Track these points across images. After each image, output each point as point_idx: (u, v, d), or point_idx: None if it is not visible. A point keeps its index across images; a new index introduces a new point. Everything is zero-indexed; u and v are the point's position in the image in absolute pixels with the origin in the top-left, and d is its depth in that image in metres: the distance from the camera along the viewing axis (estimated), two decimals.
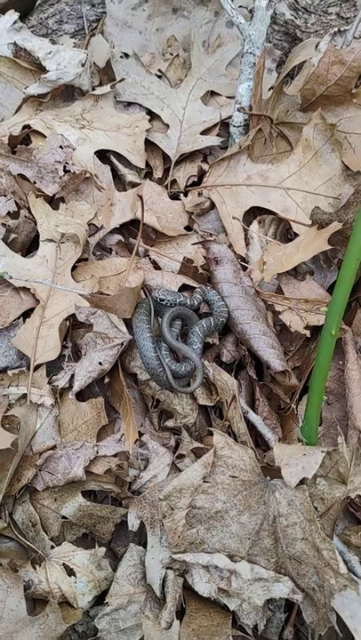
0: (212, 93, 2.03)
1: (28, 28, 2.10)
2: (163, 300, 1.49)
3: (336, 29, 2.32)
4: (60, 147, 1.69)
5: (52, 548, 1.34)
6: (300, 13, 2.32)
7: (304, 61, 1.94)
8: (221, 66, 2.04)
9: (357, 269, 1.55)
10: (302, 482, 1.24)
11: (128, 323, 1.48)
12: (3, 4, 2.09)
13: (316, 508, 1.26)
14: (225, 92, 2.01)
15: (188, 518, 1.29)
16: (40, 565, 1.30)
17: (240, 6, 2.10)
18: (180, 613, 1.28)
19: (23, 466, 1.38)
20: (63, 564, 1.31)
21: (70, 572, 1.30)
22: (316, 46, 2.10)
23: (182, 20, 2.10)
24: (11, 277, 1.46)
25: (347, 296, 1.21)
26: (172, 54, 2.07)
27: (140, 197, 1.56)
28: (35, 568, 1.30)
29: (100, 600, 1.33)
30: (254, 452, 1.34)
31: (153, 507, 1.36)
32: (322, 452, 1.23)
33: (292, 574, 1.25)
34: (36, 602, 1.29)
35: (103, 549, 1.35)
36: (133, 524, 1.36)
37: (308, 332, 1.51)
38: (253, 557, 1.27)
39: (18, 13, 2.00)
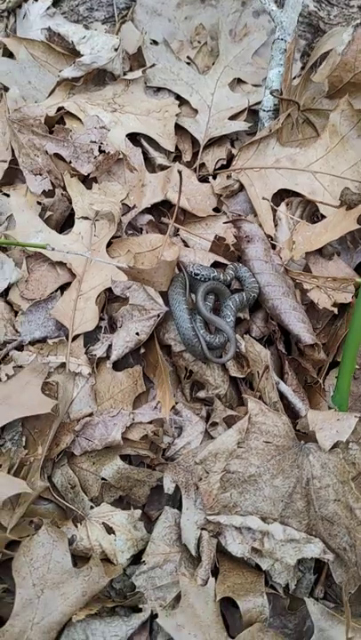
0: (239, 81, 2.08)
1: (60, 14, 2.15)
2: (197, 275, 1.54)
3: (358, 21, 2.38)
4: (96, 127, 1.73)
5: (92, 508, 1.39)
6: (324, 5, 2.38)
7: (328, 52, 2.00)
8: (248, 54, 2.09)
9: None
10: (335, 446, 1.29)
11: (164, 296, 1.53)
12: None
13: (349, 472, 1.31)
14: (251, 79, 2.06)
15: (223, 482, 1.34)
16: (81, 524, 1.35)
17: None
18: (214, 573, 1.33)
19: (61, 432, 1.43)
20: (103, 522, 1.36)
21: (110, 531, 1.35)
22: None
23: (210, 9, 2.15)
24: (53, 249, 1.51)
25: None
26: (199, 42, 2.12)
27: (180, 173, 1.61)
28: (76, 526, 1.35)
29: (136, 560, 1.38)
30: (288, 418, 1.39)
31: (187, 472, 1.41)
32: (355, 417, 1.28)
33: (324, 535, 1.30)
34: (78, 559, 1.34)
35: (139, 511, 1.40)
36: (169, 487, 1.41)
37: (335, 310, 1.57)
38: (286, 519, 1.32)
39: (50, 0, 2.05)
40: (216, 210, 1.84)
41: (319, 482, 1.29)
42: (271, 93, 1.77)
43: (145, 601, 1.31)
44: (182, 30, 2.14)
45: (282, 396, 1.51)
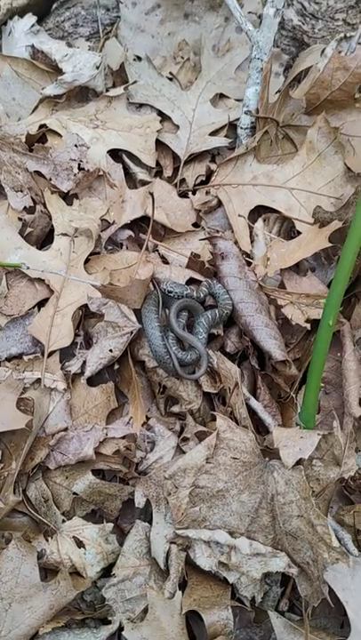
0: (221, 96, 2.10)
1: (45, 30, 2.18)
2: (170, 292, 1.58)
3: (342, 35, 2.40)
4: (76, 145, 1.77)
5: (64, 522, 1.42)
6: (308, 19, 2.40)
7: (311, 66, 2.02)
8: (230, 70, 2.11)
9: (357, 266, 1.64)
10: (299, 462, 1.32)
11: (137, 313, 1.57)
12: (21, 6, 2.17)
13: (312, 488, 1.34)
14: (233, 94, 2.09)
15: (192, 497, 1.37)
16: (52, 538, 1.39)
17: (249, 12, 2.18)
18: (182, 586, 1.36)
19: (36, 446, 1.46)
20: (73, 536, 1.39)
21: (80, 545, 1.39)
22: (323, 52, 2.18)
23: (193, 24, 2.18)
24: (28, 268, 1.54)
25: (343, 289, 1.29)
26: (182, 58, 2.15)
27: (151, 194, 1.65)
28: (47, 540, 1.38)
29: (107, 572, 1.41)
30: (255, 435, 1.42)
31: (158, 486, 1.44)
32: (318, 434, 1.31)
33: (288, 550, 1.33)
34: (48, 572, 1.37)
35: (111, 525, 1.43)
36: (140, 501, 1.44)
37: (308, 325, 1.59)
38: (252, 534, 1.35)
39: (35, 17, 2.08)
40: (195, 225, 1.87)
41: (283, 498, 1.32)
42: (246, 113, 1.80)
43: (114, 613, 1.34)
44: (166, 46, 2.17)
45: (253, 411, 1.54)
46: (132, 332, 1.52)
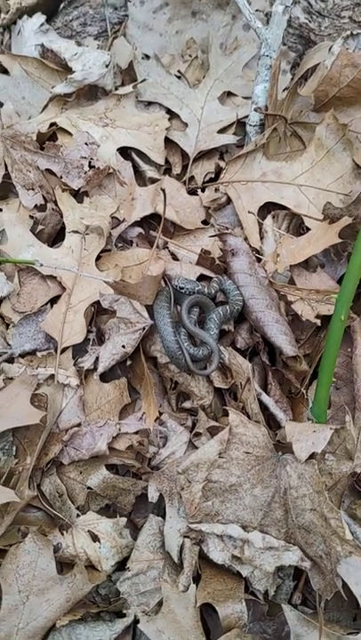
0: (229, 94, 2.11)
1: (54, 29, 2.19)
2: (182, 289, 1.59)
3: (349, 33, 2.40)
4: (86, 143, 1.78)
5: (78, 516, 1.43)
6: (315, 17, 2.41)
7: (318, 64, 2.03)
8: (238, 67, 2.12)
9: None
10: (312, 457, 1.33)
11: (149, 309, 1.58)
12: (30, 6, 2.19)
13: (324, 482, 1.35)
14: (241, 92, 2.10)
15: (205, 491, 1.38)
16: (67, 532, 1.40)
17: (256, 10, 2.19)
18: (196, 579, 1.38)
19: (50, 441, 1.48)
20: (88, 530, 1.41)
21: (95, 538, 1.40)
22: (330, 49, 2.18)
23: (201, 22, 2.19)
24: (41, 265, 1.56)
25: (355, 284, 1.29)
26: (190, 56, 2.16)
27: (163, 191, 1.66)
28: (62, 534, 1.40)
29: (121, 566, 1.43)
30: (267, 429, 1.43)
31: (171, 481, 1.46)
32: (330, 429, 1.32)
33: (301, 543, 1.34)
34: (64, 565, 1.39)
35: (125, 519, 1.45)
36: (153, 496, 1.45)
37: (318, 321, 1.60)
38: (265, 528, 1.37)
39: (44, 16, 2.09)
40: (205, 222, 1.88)
41: (296, 492, 1.34)
42: (255, 110, 1.81)
43: (128, 606, 1.36)
44: (174, 44, 2.18)
45: (265, 406, 1.55)
46: (144, 328, 1.54)
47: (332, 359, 1.35)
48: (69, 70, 1.93)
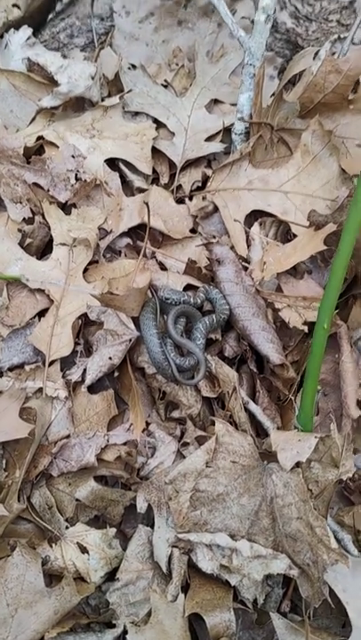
0: (216, 101, 2.12)
1: (41, 42, 2.21)
2: (168, 299, 1.60)
3: (336, 36, 2.41)
4: (72, 156, 1.79)
5: (67, 528, 1.45)
6: (302, 21, 2.41)
7: (304, 70, 2.03)
8: (225, 75, 2.13)
9: (353, 267, 1.66)
10: (297, 465, 1.34)
11: (136, 320, 1.59)
12: (16, 19, 2.20)
13: (311, 490, 1.36)
14: (228, 99, 2.10)
15: (192, 501, 1.39)
16: (56, 544, 1.42)
17: (243, 17, 2.20)
18: (185, 589, 1.38)
19: (39, 454, 1.49)
20: (77, 542, 1.42)
21: (84, 550, 1.41)
22: (315, 55, 2.19)
23: (187, 31, 2.20)
24: (27, 280, 1.57)
25: (337, 293, 1.30)
26: (177, 64, 2.17)
27: (147, 204, 1.67)
28: (51, 546, 1.41)
29: (111, 577, 1.44)
30: (253, 438, 1.44)
31: (160, 491, 1.47)
32: (315, 437, 1.33)
33: (289, 551, 1.34)
34: (53, 577, 1.40)
35: (114, 530, 1.46)
36: (142, 506, 1.46)
37: (305, 328, 1.61)
38: (253, 536, 1.37)
39: (31, 29, 2.11)
40: (193, 231, 1.89)
41: (282, 500, 1.34)
42: (239, 120, 1.82)
43: (118, 617, 1.37)
44: (160, 54, 2.19)
45: (253, 415, 1.56)
46: (130, 340, 1.55)
47: (316, 367, 1.36)
48: (55, 83, 1.94)
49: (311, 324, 1.63)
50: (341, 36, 2.39)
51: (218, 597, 1.36)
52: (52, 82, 1.97)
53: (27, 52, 2.05)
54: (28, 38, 2.09)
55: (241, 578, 1.36)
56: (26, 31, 2.10)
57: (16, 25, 2.16)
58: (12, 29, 2.12)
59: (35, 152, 1.88)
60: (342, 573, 1.30)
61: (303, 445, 1.33)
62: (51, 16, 2.32)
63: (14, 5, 2.28)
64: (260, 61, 1.81)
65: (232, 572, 1.36)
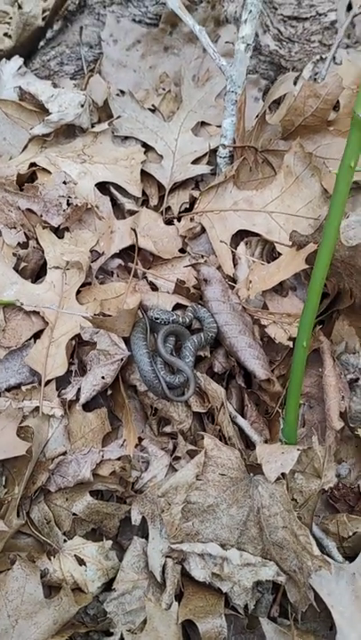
0: (203, 123, 2.20)
1: (32, 70, 2.29)
2: (157, 319, 1.67)
3: (318, 57, 2.50)
4: (64, 182, 1.87)
5: (65, 541, 1.51)
6: (285, 43, 2.50)
7: (285, 93, 2.12)
8: (211, 98, 2.21)
9: (336, 285, 1.73)
10: (283, 476, 1.41)
11: (127, 340, 1.66)
12: (7, 49, 2.29)
13: (295, 500, 1.43)
14: (214, 121, 2.18)
15: (184, 512, 1.46)
16: (54, 557, 1.48)
17: (226, 42, 2.29)
18: (179, 597, 1.45)
19: (38, 470, 1.56)
20: (75, 555, 1.48)
21: (81, 562, 1.48)
22: (299, 76, 2.28)
23: (173, 57, 2.29)
24: (22, 304, 1.64)
25: (314, 312, 1.37)
26: (164, 89, 2.26)
27: (134, 230, 1.74)
28: (50, 559, 1.47)
29: (108, 587, 1.50)
30: (240, 452, 1.51)
31: (153, 503, 1.53)
32: (298, 449, 1.40)
33: (276, 559, 1.41)
34: (52, 589, 1.47)
35: (110, 542, 1.52)
36: (136, 518, 1.53)
37: (290, 343, 1.68)
38: (242, 545, 1.44)
39: (22, 59, 2.19)
40: (182, 251, 1.96)
41: (268, 510, 1.41)
42: (221, 146, 1.90)
43: (115, 625, 1.43)
44: (147, 79, 2.28)
45: (241, 428, 1.63)
46: (122, 359, 1.62)
47: (297, 384, 1.43)
48: (47, 111, 2.02)
49: (296, 340, 1.70)
50: (323, 56, 2.48)
51: (210, 604, 1.43)
52: (43, 110, 2.05)
53: (18, 82, 2.13)
54: (20, 68, 2.17)
55: (232, 585, 1.42)
56: (17, 61, 2.18)
57: (7, 55, 2.24)
58: (4, 59, 2.20)
59: (28, 178, 1.96)
60: (327, 578, 1.36)
61: (287, 458, 1.40)
62: (42, 44, 2.40)
63: (5, 35, 2.37)
64: (242, 88, 1.89)
65: (223, 579, 1.43)
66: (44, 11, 2.39)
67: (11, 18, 2.33)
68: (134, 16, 2.24)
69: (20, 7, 2.26)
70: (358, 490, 1.54)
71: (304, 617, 1.45)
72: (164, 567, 1.46)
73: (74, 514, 1.52)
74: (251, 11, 1.86)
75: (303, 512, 1.43)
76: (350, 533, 1.46)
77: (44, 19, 2.35)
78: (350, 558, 1.44)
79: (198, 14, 2.21)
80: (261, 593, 1.48)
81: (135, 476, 1.59)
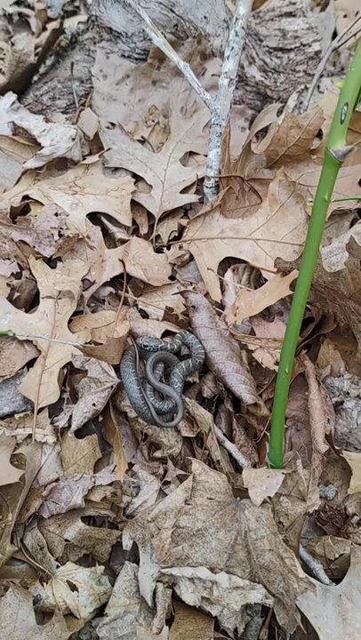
0: (191, 153, 2.27)
1: (25, 105, 2.37)
2: (146, 347, 1.71)
3: (303, 86, 2.57)
4: (55, 214, 1.93)
5: (58, 567, 1.54)
6: (270, 74, 2.58)
7: (270, 124, 2.19)
8: (198, 128, 2.28)
9: (320, 310, 1.77)
10: (269, 499, 1.44)
11: (117, 368, 1.70)
12: (1, 85, 2.37)
13: (282, 523, 1.45)
14: (202, 151, 2.25)
15: (174, 537, 1.49)
16: (47, 583, 1.51)
17: (213, 75, 2.36)
18: (170, 620, 1.47)
19: (31, 497, 1.59)
20: (67, 580, 1.51)
21: (73, 588, 1.50)
22: (280, 111, 2.34)
23: (161, 90, 2.36)
24: (14, 334, 1.69)
25: (295, 340, 1.41)
26: (153, 121, 2.33)
27: (122, 261, 1.80)
28: (42, 585, 1.50)
29: (100, 612, 1.53)
30: (228, 475, 1.54)
31: (144, 528, 1.56)
32: (282, 473, 1.43)
33: (264, 582, 1.43)
34: (45, 614, 1.49)
35: (102, 567, 1.55)
36: (127, 544, 1.56)
37: (277, 368, 1.71)
38: (231, 568, 1.47)
39: (15, 95, 2.27)
40: (172, 278, 2.01)
41: (255, 534, 1.44)
42: (207, 177, 1.96)
43: None
44: (137, 112, 2.35)
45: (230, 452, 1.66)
46: (112, 387, 1.66)
47: (281, 409, 1.46)
48: (39, 145, 2.09)
49: None
50: (308, 85, 2.56)
51: (200, 628, 1.45)
52: (35, 144, 2.13)
53: (12, 117, 2.21)
54: (13, 103, 2.25)
55: (221, 608, 1.45)
56: (11, 97, 2.26)
57: (1, 90, 2.32)
58: None
59: (21, 210, 2.02)
60: (314, 601, 1.39)
61: (272, 481, 1.43)
62: (34, 79, 2.48)
63: None
64: (226, 121, 1.96)
65: (213, 603, 1.45)
66: (36, 47, 2.49)
67: (4, 55, 2.42)
68: (123, 52, 2.32)
69: (13, 45, 2.34)
70: (345, 512, 1.57)
71: (293, 639, 1.47)
72: (154, 592, 1.49)
73: (66, 540, 1.55)
74: (233, 47, 1.93)
75: (290, 535, 1.46)
76: (337, 555, 1.49)
77: (36, 54, 2.44)
78: (337, 580, 1.47)
79: (185, 48, 2.29)
80: (251, 616, 1.50)
81: (126, 502, 1.62)
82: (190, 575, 1.46)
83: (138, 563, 1.56)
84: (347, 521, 1.56)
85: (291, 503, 1.46)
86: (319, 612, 1.39)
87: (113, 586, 1.54)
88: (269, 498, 1.44)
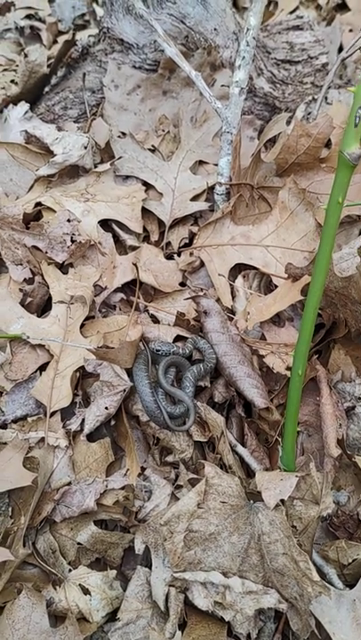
0: (201, 162, 2.29)
1: (37, 114, 2.40)
2: (158, 351, 1.72)
3: (311, 98, 2.60)
4: (68, 220, 1.95)
5: (70, 571, 1.54)
6: (278, 85, 2.61)
7: (279, 132, 2.21)
8: (208, 138, 2.31)
9: (331, 316, 1.78)
10: (282, 503, 1.44)
11: (129, 371, 1.71)
12: (14, 95, 2.40)
13: (295, 527, 1.45)
14: (212, 160, 2.27)
15: (186, 541, 1.48)
16: (60, 586, 1.50)
17: (222, 85, 2.39)
18: (182, 625, 1.46)
19: (43, 501, 1.59)
20: (80, 584, 1.50)
21: (86, 592, 1.50)
22: (289, 120, 2.37)
23: (172, 100, 2.39)
24: (28, 337, 1.70)
25: (308, 342, 1.42)
26: (163, 130, 2.35)
27: (135, 265, 1.81)
28: (55, 589, 1.50)
29: (112, 616, 1.52)
30: (240, 479, 1.54)
31: (156, 532, 1.56)
32: (296, 476, 1.43)
33: (277, 586, 1.43)
34: (58, 618, 1.48)
35: (114, 572, 1.55)
36: (139, 548, 1.55)
37: (288, 373, 1.72)
38: (244, 573, 1.46)
39: (28, 104, 2.30)
40: (182, 284, 2.03)
41: (268, 537, 1.44)
42: (218, 184, 1.98)
43: None
44: (147, 121, 2.38)
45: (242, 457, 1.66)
46: (124, 390, 1.67)
47: (294, 412, 1.47)
48: (51, 153, 2.12)
49: None
50: (315, 97, 2.59)
51: (213, 633, 1.44)
52: (48, 152, 2.15)
53: (24, 126, 2.24)
54: (26, 112, 2.28)
55: (234, 613, 1.44)
56: (23, 106, 2.29)
57: (14, 100, 2.35)
58: (11, 104, 2.31)
59: (33, 217, 2.04)
60: (328, 606, 1.38)
61: (285, 484, 1.43)
62: (46, 89, 2.52)
63: (12, 82, 2.49)
64: (237, 129, 1.98)
65: (226, 608, 1.44)
66: (48, 58, 2.52)
67: (17, 65, 2.45)
68: (134, 62, 2.35)
69: (26, 56, 2.38)
70: (358, 517, 1.57)
71: None
72: (167, 596, 1.48)
73: (78, 543, 1.55)
74: (244, 57, 1.96)
75: (303, 539, 1.45)
76: (350, 560, 1.48)
77: (48, 66, 2.47)
78: (351, 585, 1.46)
79: (195, 60, 2.32)
80: (264, 621, 1.49)
81: (138, 506, 1.61)
82: (203, 580, 1.46)
83: (150, 567, 1.55)
84: (360, 526, 1.55)
85: (304, 507, 1.46)
86: (333, 617, 1.38)
87: (125, 590, 1.53)
88: (283, 501, 1.44)
